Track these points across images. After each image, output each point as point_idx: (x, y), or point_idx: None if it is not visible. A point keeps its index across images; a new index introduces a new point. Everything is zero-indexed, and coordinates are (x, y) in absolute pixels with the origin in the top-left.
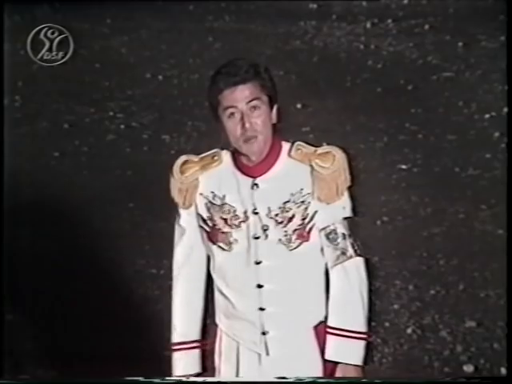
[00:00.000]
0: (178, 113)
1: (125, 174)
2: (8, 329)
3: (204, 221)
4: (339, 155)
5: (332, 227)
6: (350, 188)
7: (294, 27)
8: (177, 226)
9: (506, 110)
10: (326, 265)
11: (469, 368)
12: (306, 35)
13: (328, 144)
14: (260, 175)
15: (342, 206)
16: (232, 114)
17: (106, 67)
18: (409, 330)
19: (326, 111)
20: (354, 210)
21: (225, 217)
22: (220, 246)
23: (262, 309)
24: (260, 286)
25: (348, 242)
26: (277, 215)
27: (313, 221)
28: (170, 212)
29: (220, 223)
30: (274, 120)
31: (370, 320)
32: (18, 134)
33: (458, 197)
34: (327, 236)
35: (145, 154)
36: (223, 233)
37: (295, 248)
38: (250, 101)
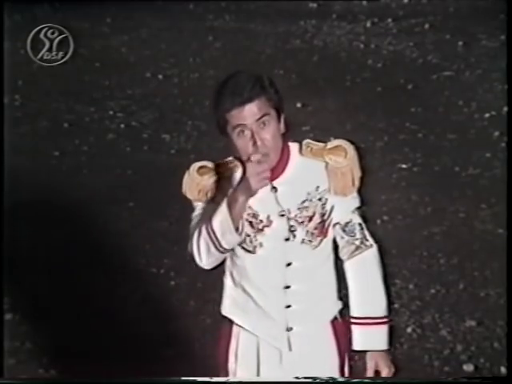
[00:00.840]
0: (177, 112)
1: (125, 174)
2: (8, 328)
3: None
4: (349, 148)
5: (347, 219)
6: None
7: (294, 26)
8: (193, 217)
9: (505, 109)
10: (335, 258)
11: (469, 367)
12: (306, 34)
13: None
14: (275, 179)
15: (354, 197)
16: (242, 131)
17: (106, 66)
18: (409, 329)
19: (325, 110)
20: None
21: (250, 220)
22: (244, 248)
23: (288, 306)
24: (287, 287)
25: (366, 232)
26: (296, 216)
27: (331, 216)
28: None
29: (245, 226)
30: (283, 130)
31: (389, 303)
32: (18, 133)
33: (458, 196)
34: (343, 229)
35: (145, 153)
36: (247, 235)
37: (317, 246)
38: (259, 118)
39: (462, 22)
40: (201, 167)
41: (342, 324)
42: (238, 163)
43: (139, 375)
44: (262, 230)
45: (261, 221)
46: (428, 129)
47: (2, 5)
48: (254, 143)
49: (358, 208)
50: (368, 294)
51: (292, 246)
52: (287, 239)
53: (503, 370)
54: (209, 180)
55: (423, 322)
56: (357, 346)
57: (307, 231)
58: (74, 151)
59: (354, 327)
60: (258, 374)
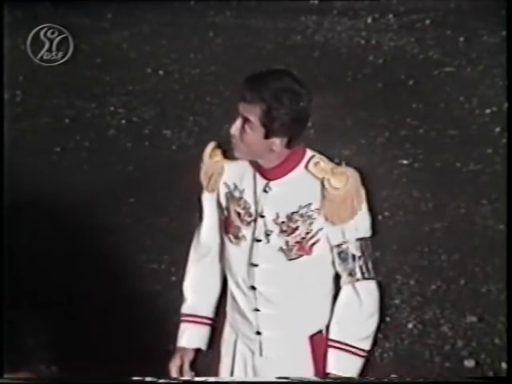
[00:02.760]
0: (179, 108)
1: (126, 169)
2: (8, 326)
3: (222, 209)
4: (353, 177)
5: (344, 247)
6: (370, 209)
7: (295, 22)
8: (201, 205)
9: (506, 105)
10: (335, 275)
11: (470, 363)
12: (307, 30)
13: (347, 164)
14: (275, 179)
15: (355, 227)
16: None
17: (106, 62)
18: (410, 325)
19: (326, 106)
20: (372, 229)
21: (239, 211)
22: (230, 238)
23: (257, 310)
24: (253, 288)
25: (357, 264)
26: (283, 223)
27: (316, 237)
28: (171, 207)
29: (234, 216)
30: (277, 148)
31: (375, 340)
32: (19, 129)
33: (458, 192)
34: (339, 254)
35: (146, 149)
36: (234, 226)
37: (294, 259)
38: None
39: (462, 17)
40: (215, 147)
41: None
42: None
43: (139, 371)
44: (249, 223)
45: (250, 214)
46: (429, 125)
47: (2, 2)
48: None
49: (361, 239)
50: (350, 321)
51: (263, 249)
52: (259, 240)
53: (504, 365)
54: (215, 164)
55: (424, 318)
56: (330, 368)
57: (287, 241)
58: (75, 147)
59: (329, 349)
60: (232, 373)
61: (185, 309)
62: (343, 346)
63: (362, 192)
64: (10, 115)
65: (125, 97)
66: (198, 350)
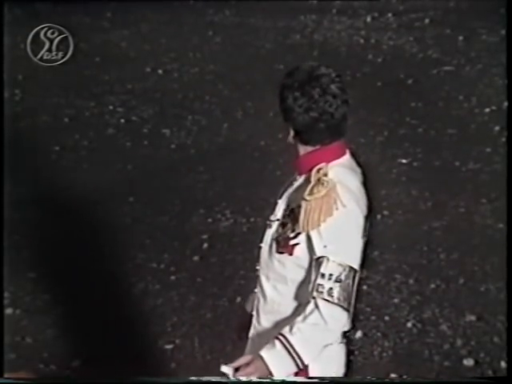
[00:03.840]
0: (178, 107)
1: (125, 168)
2: (8, 322)
3: None
4: (330, 191)
5: (319, 261)
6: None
7: (294, 21)
8: None
9: (506, 104)
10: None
11: (469, 362)
12: (306, 29)
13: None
14: (300, 174)
15: (324, 245)
16: None
17: (105, 61)
18: (409, 324)
19: None
20: (359, 261)
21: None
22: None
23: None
24: (257, 270)
25: (316, 282)
26: (284, 217)
27: (296, 239)
28: (170, 206)
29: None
30: (290, 139)
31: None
32: (18, 128)
33: (458, 191)
34: (315, 266)
35: (145, 148)
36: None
37: (278, 253)
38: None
39: (462, 16)
40: None
41: None
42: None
43: (138, 370)
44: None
45: (276, 203)
46: (428, 124)
47: (3, 0)
48: None
49: (334, 262)
50: (305, 328)
51: (268, 233)
52: (268, 225)
53: (503, 364)
54: None
55: (423, 317)
56: (263, 352)
57: (280, 235)
58: (74, 146)
59: (275, 340)
60: None
61: None
62: (286, 343)
63: (337, 212)
64: (9, 114)
65: (124, 96)
66: None
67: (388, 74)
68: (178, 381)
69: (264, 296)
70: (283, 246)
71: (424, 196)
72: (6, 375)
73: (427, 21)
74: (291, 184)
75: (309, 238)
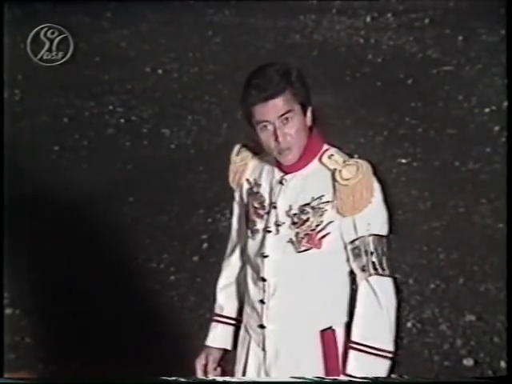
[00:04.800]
0: (177, 107)
1: (125, 168)
2: (8, 322)
3: (244, 205)
4: (364, 168)
5: (357, 243)
6: (388, 208)
7: (294, 21)
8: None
9: (505, 103)
10: (351, 272)
11: (468, 362)
12: (306, 29)
13: (359, 157)
14: (291, 172)
15: (367, 222)
16: (264, 126)
17: (105, 61)
18: (409, 324)
19: (325, 105)
20: (389, 226)
21: (256, 205)
22: (248, 233)
23: (262, 302)
24: (264, 280)
25: (370, 260)
26: (295, 215)
27: (326, 230)
28: (169, 206)
29: (251, 210)
30: (309, 123)
31: (397, 339)
32: (18, 128)
33: (457, 191)
34: (352, 251)
35: (144, 148)
36: (251, 220)
37: (303, 251)
38: (282, 114)
39: (461, 16)
40: (243, 146)
41: (338, 337)
42: None
43: (138, 370)
44: (262, 216)
45: (264, 207)
46: (428, 123)
47: (3, 0)
48: (276, 139)
49: (374, 235)
50: (370, 321)
51: (273, 240)
52: (269, 231)
53: (503, 364)
54: (240, 161)
55: (423, 317)
56: (350, 369)
57: (297, 233)
58: (74, 146)
59: (350, 351)
60: (245, 367)
61: (215, 308)
62: (364, 348)
63: (375, 185)
64: (9, 114)
65: (124, 96)
66: (225, 350)
67: (388, 73)
68: (178, 381)
69: (278, 304)
70: (308, 241)
71: (424, 196)
72: (5, 375)
73: (427, 21)
74: (280, 184)
75: (343, 224)
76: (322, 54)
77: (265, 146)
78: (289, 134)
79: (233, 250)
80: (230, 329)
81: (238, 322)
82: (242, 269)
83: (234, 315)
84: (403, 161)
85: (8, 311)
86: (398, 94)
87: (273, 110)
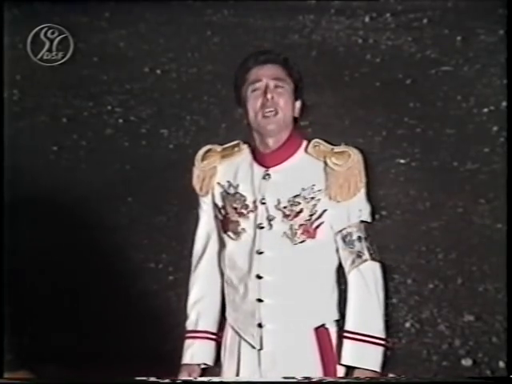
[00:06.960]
0: (176, 107)
1: (123, 169)
2: (8, 325)
3: (219, 210)
4: (355, 155)
5: (348, 230)
6: (368, 193)
7: (293, 21)
8: (198, 214)
9: (504, 104)
10: (338, 267)
11: (467, 362)
12: (305, 29)
13: (346, 144)
14: (274, 165)
15: (358, 209)
16: (256, 89)
17: (104, 61)
18: (407, 324)
19: (324, 105)
20: (372, 215)
21: (235, 206)
22: (229, 235)
23: (260, 300)
24: (259, 277)
25: (364, 245)
26: (285, 208)
27: (321, 219)
28: (168, 206)
29: (231, 212)
30: (296, 113)
31: (387, 325)
32: (17, 127)
33: (456, 191)
34: (343, 239)
35: (143, 148)
36: (233, 222)
37: (299, 243)
38: (276, 78)
39: (460, 16)
40: (207, 150)
41: (332, 334)
42: (243, 146)
43: (137, 371)
44: (246, 215)
45: (247, 206)
46: (426, 124)
47: (2, 0)
48: (265, 96)
49: (364, 222)
50: (363, 309)
51: (267, 235)
52: (262, 227)
53: (501, 364)
54: (206, 166)
55: (421, 317)
56: (345, 360)
57: (291, 225)
58: (72, 146)
59: (345, 341)
60: (238, 373)
61: (187, 325)
62: (359, 337)
63: (362, 171)
64: (7, 114)
65: (122, 96)
66: (204, 368)
67: (386, 74)
68: (177, 381)
69: (276, 301)
70: (303, 232)
71: (422, 196)
72: (5, 375)
73: (425, 21)
74: (264, 179)
75: (336, 211)
76: (320, 54)
77: (251, 112)
78: (277, 97)
79: (198, 263)
80: (209, 343)
81: (216, 337)
82: (213, 277)
83: (210, 329)
84: (401, 161)
85: (8, 311)
86: (397, 94)
87: (268, 71)
